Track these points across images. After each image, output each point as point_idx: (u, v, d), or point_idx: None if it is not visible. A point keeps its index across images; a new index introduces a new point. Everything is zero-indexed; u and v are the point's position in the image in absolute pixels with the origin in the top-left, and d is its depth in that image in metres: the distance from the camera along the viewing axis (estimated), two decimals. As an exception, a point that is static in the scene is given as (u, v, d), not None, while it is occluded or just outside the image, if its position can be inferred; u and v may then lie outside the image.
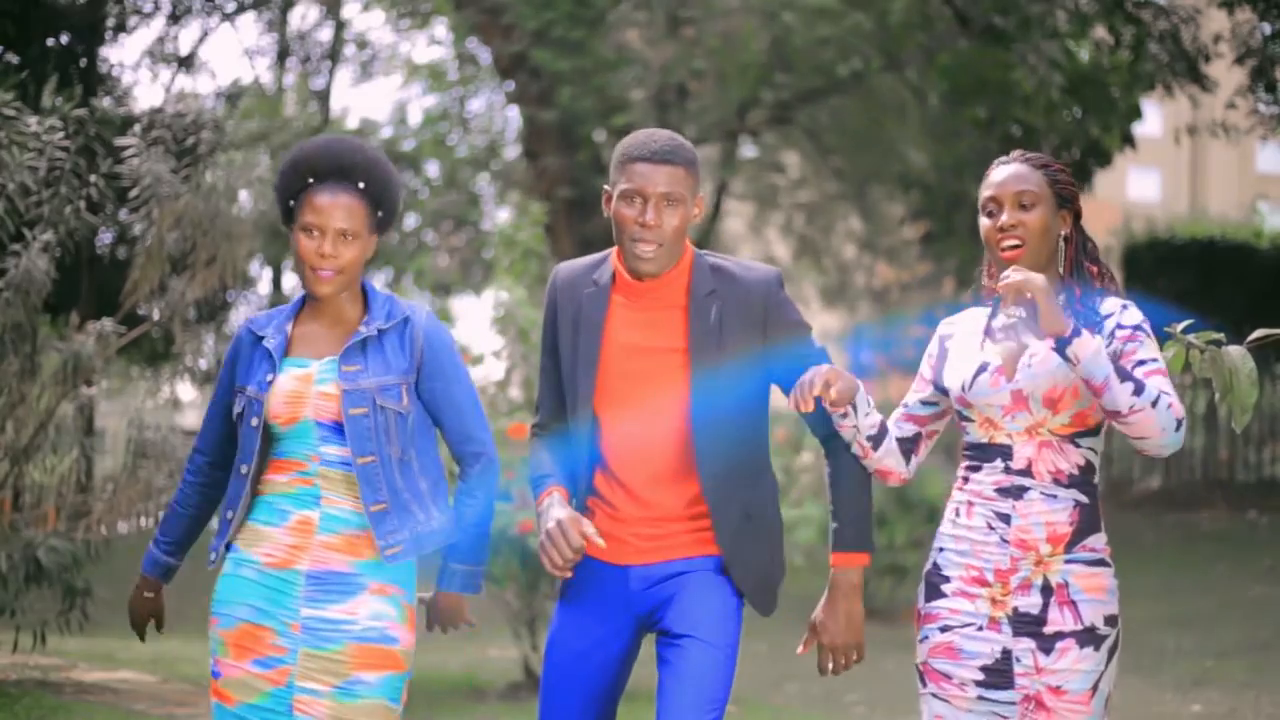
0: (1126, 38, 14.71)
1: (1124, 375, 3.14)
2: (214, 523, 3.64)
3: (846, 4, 15.28)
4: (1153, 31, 14.74)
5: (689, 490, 3.43)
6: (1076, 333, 3.12)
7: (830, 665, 3.42)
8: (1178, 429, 3.15)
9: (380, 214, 3.49)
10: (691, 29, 16.31)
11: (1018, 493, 3.27)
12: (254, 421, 3.40)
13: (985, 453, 3.32)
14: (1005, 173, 3.35)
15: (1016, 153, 3.42)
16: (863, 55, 15.86)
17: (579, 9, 15.17)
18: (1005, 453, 3.29)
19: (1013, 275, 3.15)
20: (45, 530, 7.47)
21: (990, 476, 3.30)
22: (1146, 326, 3.28)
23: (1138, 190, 45.16)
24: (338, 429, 3.38)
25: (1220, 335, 3.42)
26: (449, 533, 3.46)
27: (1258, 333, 3.48)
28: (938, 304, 19.79)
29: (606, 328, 3.46)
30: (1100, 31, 15.21)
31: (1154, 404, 3.13)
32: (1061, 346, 3.13)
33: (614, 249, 3.52)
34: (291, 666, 3.35)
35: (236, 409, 3.44)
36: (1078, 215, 3.39)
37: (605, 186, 3.48)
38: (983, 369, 3.33)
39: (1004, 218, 3.30)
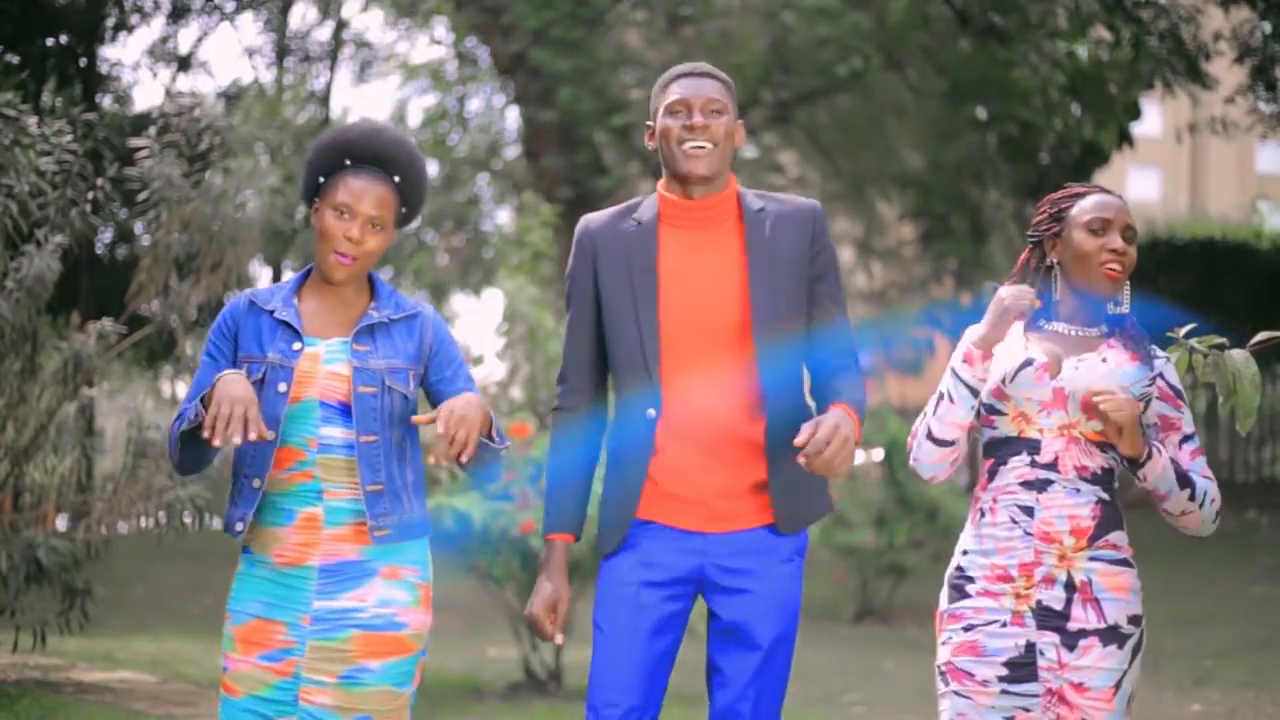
0: (1126, 36, 14.72)
1: (1183, 481, 3.35)
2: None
3: (846, 4, 15.26)
4: (1152, 30, 14.75)
5: (756, 432, 3.38)
6: (1149, 455, 3.31)
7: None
8: (1215, 519, 3.41)
9: (405, 211, 3.53)
10: (691, 29, 16.28)
11: (1042, 486, 3.34)
12: (281, 387, 3.37)
13: (1011, 447, 3.38)
14: (1115, 205, 3.45)
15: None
16: (862, 55, 15.85)
17: (579, 9, 15.16)
18: (1033, 447, 3.36)
19: (1110, 404, 3.25)
20: (45, 530, 7.47)
21: (1015, 470, 3.37)
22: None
23: (1138, 190, 45.15)
24: (342, 410, 3.38)
25: (1223, 340, 3.44)
26: (426, 527, 3.47)
27: (1260, 336, 3.49)
28: (937, 304, 19.81)
29: (660, 260, 3.44)
30: (1100, 30, 15.21)
31: (1202, 505, 3.37)
32: (1134, 468, 3.33)
33: (643, 199, 3.57)
34: (299, 658, 3.38)
35: (254, 376, 3.38)
36: None
37: (648, 123, 3.54)
38: (1028, 363, 3.38)
39: (1115, 241, 3.40)
